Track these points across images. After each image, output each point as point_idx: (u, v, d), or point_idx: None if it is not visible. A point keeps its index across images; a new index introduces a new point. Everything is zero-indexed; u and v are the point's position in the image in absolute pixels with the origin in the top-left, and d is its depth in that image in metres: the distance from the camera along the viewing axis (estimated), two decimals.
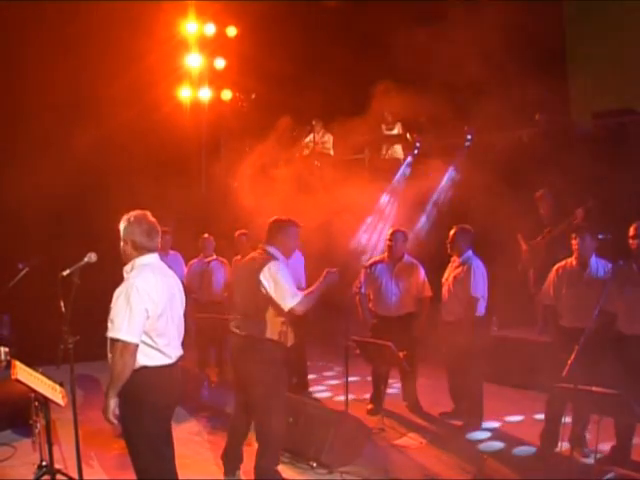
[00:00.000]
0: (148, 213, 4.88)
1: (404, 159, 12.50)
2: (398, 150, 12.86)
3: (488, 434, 7.71)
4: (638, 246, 6.36)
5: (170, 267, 9.69)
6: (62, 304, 5.18)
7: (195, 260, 10.05)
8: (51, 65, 10.63)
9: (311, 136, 13.31)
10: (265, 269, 5.80)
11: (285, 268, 5.93)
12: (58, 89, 10.59)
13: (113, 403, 4.61)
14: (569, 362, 5.40)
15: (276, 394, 5.96)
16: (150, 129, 11.70)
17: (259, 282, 5.79)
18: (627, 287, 6.42)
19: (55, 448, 6.14)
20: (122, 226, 4.81)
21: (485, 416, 7.96)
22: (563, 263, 7.02)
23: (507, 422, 8.09)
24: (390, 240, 8.33)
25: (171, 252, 10.03)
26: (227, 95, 13.39)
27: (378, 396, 8.31)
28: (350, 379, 7.45)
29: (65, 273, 5.16)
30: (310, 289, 5.98)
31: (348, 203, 10.77)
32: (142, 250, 4.80)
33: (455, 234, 7.87)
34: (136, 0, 11.24)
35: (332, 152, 13.29)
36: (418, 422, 8.15)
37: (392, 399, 8.65)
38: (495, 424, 7.98)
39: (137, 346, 4.58)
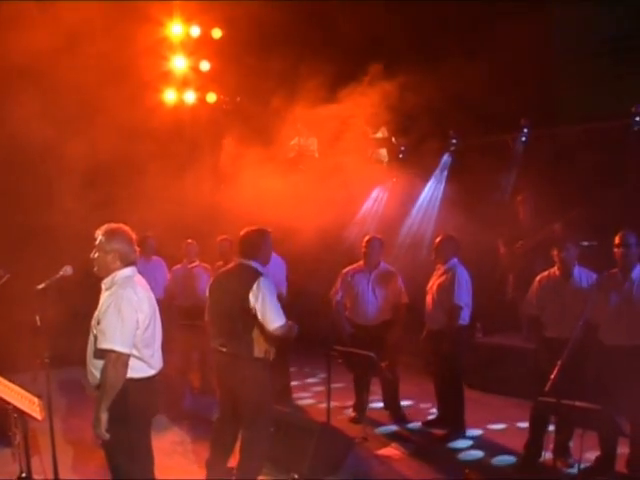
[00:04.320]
0: (124, 225, 4.90)
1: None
2: (383, 153, 12.82)
3: (470, 442, 7.69)
4: (622, 255, 6.36)
5: (153, 273, 9.79)
6: (37, 318, 5.13)
7: (178, 266, 9.96)
8: (36, 68, 10.47)
9: (296, 139, 13.23)
10: (255, 286, 5.71)
11: (273, 285, 5.89)
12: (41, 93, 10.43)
13: (105, 417, 4.57)
14: (553, 374, 5.35)
15: (264, 411, 5.97)
16: (134, 132, 11.57)
17: (247, 300, 5.70)
18: (612, 297, 6.42)
19: (36, 458, 6.15)
20: (102, 238, 4.78)
21: (469, 424, 7.95)
22: (546, 273, 6.99)
23: (490, 430, 8.08)
24: (366, 247, 8.23)
25: (154, 258, 9.96)
26: (212, 98, 13.27)
27: (361, 405, 8.26)
28: (334, 385, 7.45)
29: (40, 287, 5.10)
30: None
31: (333, 205, 10.73)
32: (127, 262, 4.81)
33: (441, 241, 7.82)
34: (120, 1, 11.13)
35: (317, 154, 13.21)
36: (401, 431, 8.12)
37: (375, 407, 8.64)
38: (478, 432, 7.96)
39: (129, 357, 4.60)
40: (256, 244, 5.98)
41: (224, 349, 5.90)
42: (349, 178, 11.37)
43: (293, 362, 9.76)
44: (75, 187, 10.47)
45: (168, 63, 13.05)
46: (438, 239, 7.87)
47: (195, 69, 13.18)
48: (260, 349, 5.85)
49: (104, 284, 4.79)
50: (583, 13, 10.90)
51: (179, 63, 13.07)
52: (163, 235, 10.22)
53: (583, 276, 6.81)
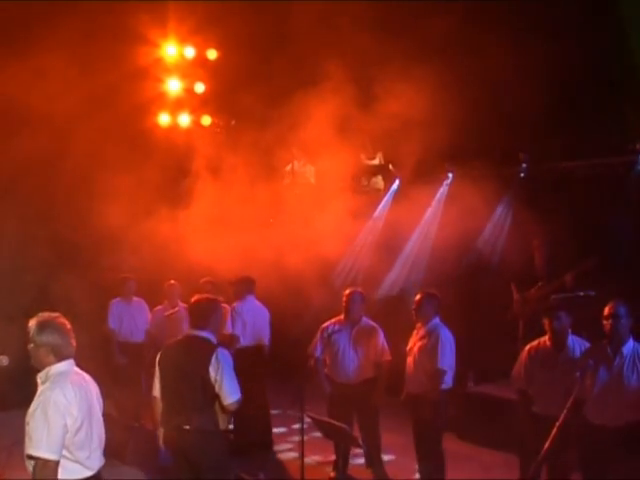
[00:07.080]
0: (60, 315, 4.60)
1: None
2: (379, 181, 12.47)
3: None
4: (612, 327, 5.84)
5: (133, 316, 9.46)
6: None
7: (160, 307, 9.57)
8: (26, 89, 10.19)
9: (291, 165, 12.88)
10: (213, 359, 5.57)
11: (230, 357, 5.71)
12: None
13: None
14: (530, 473, 4.96)
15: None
16: (127, 157, 11.26)
17: (208, 373, 5.55)
18: (600, 372, 5.90)
19: None
20: (33, 330, 4.50)
21: None
22: (536, 343, 6.56)
23: None
24: (347, 302, 7.83)
25: (135, 299, 9.63)
26: (207, 121, 12.92)
27: (340, 464, 7.89)
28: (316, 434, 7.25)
29: None
30: None
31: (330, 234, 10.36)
32: (61, 356, 4.53)
33: (421, 299, 7.33)
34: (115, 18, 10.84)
35: (313, 181, 12.86)
36: None
37: (357, 464, 8.32)
38: None
39: (58, 463, 4.33)
40: (206, 314, 5.80)
41: (187, 426, 5.67)
42: (343, 208, 10.98)
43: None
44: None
45: (162, 85, 12.73)
46: (418, 297, 7.38)
47: (190, 91, 12.85)
48: (224, 421, 5.71)
49: (39, 378, 4.54)
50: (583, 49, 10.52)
51: (173, 85, 12.74)
52: (150, 272, 9.87)
53: (577, 346, 6.39)
